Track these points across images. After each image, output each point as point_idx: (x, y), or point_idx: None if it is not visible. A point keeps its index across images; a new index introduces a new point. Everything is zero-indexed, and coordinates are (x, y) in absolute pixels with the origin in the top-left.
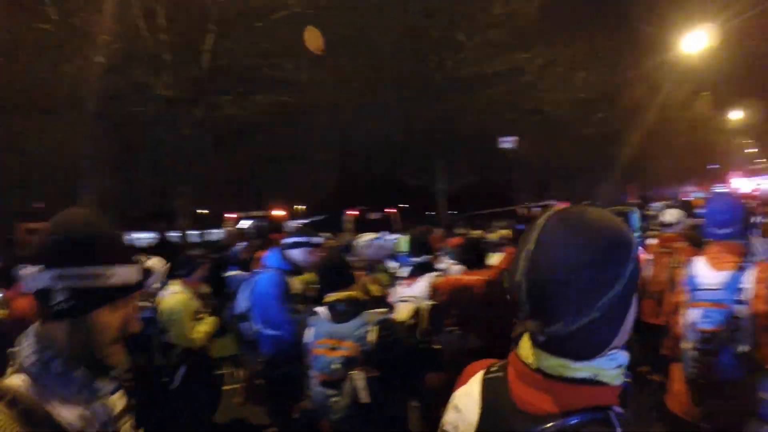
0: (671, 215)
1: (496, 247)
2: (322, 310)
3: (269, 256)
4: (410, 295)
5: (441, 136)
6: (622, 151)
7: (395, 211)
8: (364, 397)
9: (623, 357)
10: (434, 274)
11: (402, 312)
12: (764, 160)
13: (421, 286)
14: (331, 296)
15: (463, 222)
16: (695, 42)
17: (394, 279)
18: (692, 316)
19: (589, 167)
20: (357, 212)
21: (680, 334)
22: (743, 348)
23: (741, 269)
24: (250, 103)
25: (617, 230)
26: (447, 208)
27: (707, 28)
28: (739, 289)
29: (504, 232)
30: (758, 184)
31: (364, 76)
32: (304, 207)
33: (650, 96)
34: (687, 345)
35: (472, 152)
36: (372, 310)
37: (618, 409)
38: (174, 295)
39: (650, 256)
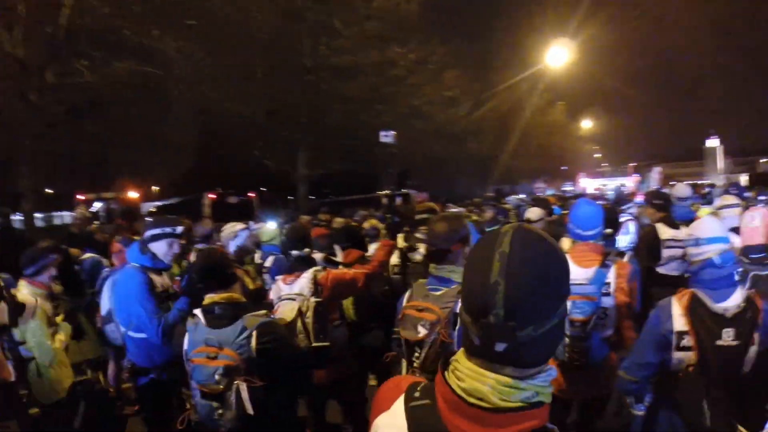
0: (534, 213)
1: (369, 237)
2: (198, 314)
3: (129, 251)
4: (293, 293)
5: (307, 121)
6: (481, 148)
7: (255, 195)
8: (250, 408)
9: (554, 371)
10: (316, 268)
11: (286, 312)
12: (607, 164)
13: (303, 282)
14: (209, 298)
15: (325, 209)
16: (557, 56)
17: (260, 272)
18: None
19: (450, 160)
20: (215, 195)
21: None
22: (608, 333)
23: (605, 266)
24: (110, 71)
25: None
26: (308, 194)
27: (567, 44)
28: (605, 284)
29: (374, 221)
30: (603, 185)
31: (235, 53)
32: (158, 189)
33: (512, 100)
34: None
35: (338, 140)
36: (252, 314)
37: (551, 426)
38: (23, 300)
39: None
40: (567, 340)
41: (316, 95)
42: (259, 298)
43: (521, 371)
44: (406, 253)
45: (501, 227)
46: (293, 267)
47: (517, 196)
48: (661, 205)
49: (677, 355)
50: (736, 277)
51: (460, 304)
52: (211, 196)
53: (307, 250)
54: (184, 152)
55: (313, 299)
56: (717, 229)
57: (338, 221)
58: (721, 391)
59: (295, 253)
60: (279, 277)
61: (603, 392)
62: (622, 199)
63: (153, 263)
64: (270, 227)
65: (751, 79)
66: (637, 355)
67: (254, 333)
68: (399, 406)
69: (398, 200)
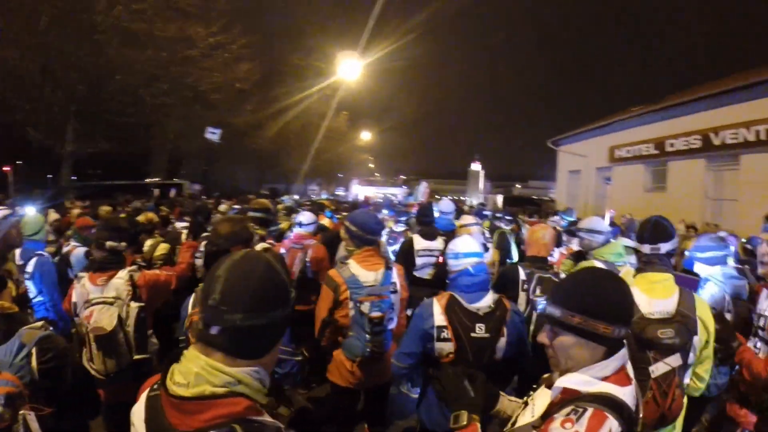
0: (306, 217)
1: (145, 232)
2: None
3: None
4: (109, 296)
5: (84, 88)
6: (261, 144)
7: (9, 169)
8: None
9: (266, 377)
10: (131, 268)
11: (103, 320)
12: (379, 174)
13: (119, 284)
14: None
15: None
16: (349, 70)
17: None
18: (363, 306)
19: (227, 152)
20: None
21: (346, 324)
22: (393, 326)
23: (389, 268)
24: None
25: (282, 280)
26: (71, 175)
27: (357, 60)
28: (392, 283)
29: (150, 215)
30: (376, 192)
31: None
32: None
33: (299, 104)
34: (355, 331)
35: (113, 115)
36: (28, 326)
37: (255, 419)
38: None
39: (284, 250)
40: (368, 336)
41: (99, 59)
42: (24, 306)
43: (231, 360)
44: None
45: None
46: (103, 265)
47: (291, 197)
48: (423, 220)
49: (438, 345)
50: (488, 284)
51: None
52: None
53: (123, 244)
54: None
55: (134, 305)
56: (472, 245)
57: (104, 209)
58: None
59: (110, 244)
60: (83, 275)
61: (388, 379)
62: (393, 206)
63: None
64: (33, 217)
65: (511, 118)
66: (404, 346)
67: (33, 350)
68: (143, 396)
69: (172, 191)
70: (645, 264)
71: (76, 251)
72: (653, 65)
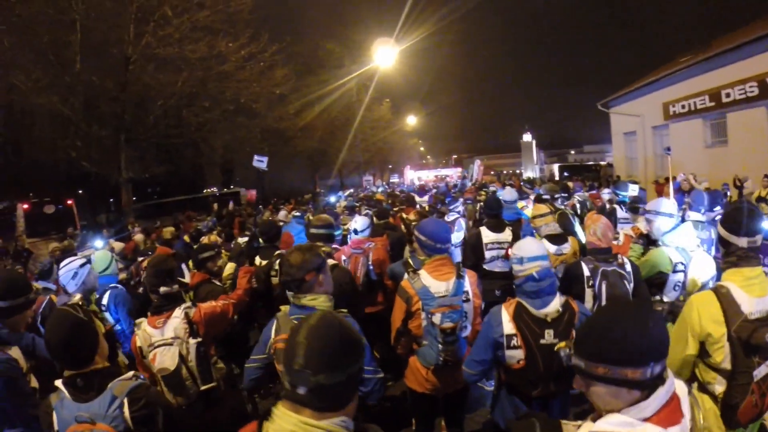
0: (360, 223)
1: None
2: (61, 388)
3: None
4: (168, 338)
5: (130, 118)
6: (309, 145)
7: (72, 202)
8: None
9: (351, 424)
10: (186, 305)
11: (166, 361)
12: (430, 157)
13: (176, 323)
14: (68, 371)
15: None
16: (385, 57)
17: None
18: (434, 318)
19: (277, 155)
20: (28, 205)
21: (420, 334)
22: (467, 333)
23: (460, 276)
24: None
25: (356, 338)
26: (132, 198)
27: (394, 46)
28: (464, 291)
29: (214, 237)
30: (429, 175)
31: (46, 32)
32: None
33: (341, 98)
34: (429, 341)
35: (161, 138)
36: (120, 378)
37: None
38: None
39: (345, 257)
40: (440, 345)
41: (138, 88)
42: (111, 341)
43: (319, 414)
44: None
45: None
46: (160, 307)
47: (346, 192)
48: (489, 212)
49: (509, 353)
50: (554, 287)
51: None
52: (24, 206)
53: (176, 286)
54: None
55: (192, 341)
56: (537, 249)
57: (168, 231)
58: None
59: (163, 290)
60: (143, 321)
61: (465, 384)
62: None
63: None
64: (101, 255)
65: (558, 84)
66: (475, 353)
67: (125, 401)
68: None
69: (230, 204)
70: (740, 259)
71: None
72: (696, 9)
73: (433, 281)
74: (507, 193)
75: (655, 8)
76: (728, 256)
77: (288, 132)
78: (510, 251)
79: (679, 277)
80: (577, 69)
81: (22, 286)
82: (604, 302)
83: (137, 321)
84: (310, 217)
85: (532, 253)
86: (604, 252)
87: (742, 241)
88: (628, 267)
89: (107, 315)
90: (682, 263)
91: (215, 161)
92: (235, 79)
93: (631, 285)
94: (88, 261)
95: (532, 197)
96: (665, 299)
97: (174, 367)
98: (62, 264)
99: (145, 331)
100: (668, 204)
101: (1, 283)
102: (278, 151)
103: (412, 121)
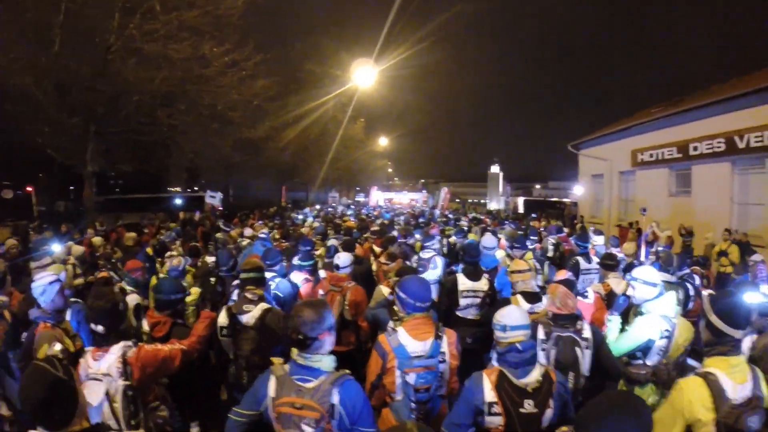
0: (343, 260)
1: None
2: None
3: None
4: (100, 372)
5: (101, 110)
6: (280, 157)
7: (32, 189)
8: None
9: None
10: (126, 344)
11: (91, 396)
12: (398, 179)
13: (111, 360)
14: None
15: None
16: (364, 77)
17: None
18: (408, 378)
19: (246, 164)
20: None
21: (393, 391)
22: (442, 391)
23: (438, 337)
24: None
25: None
26: (94, 191)
27: (372, 67)
28: (441, 353)
29: (177, 261)
30: (395, 197)
31: (29, 10)
32: None
33: (316, 114)
34: (402, 397)
35: (131, 135)
36: None
37: None
38: None
39: (323, 292)
40: (413, 405)
41: (114, 80)
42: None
43: None
44: (235, 314)
45: None
46: (101, 338)
47: (313, 208)
48: (468, 259)
49: (489, 418)
50: (535, 358)
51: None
52: None
53: (122, 324)
54: None
55: (121, 382)
56: (520, 317)
57: (129, 237)
58: None
59: (100, 329)
60: (90, 350)
61: None
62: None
63: None
64: (53, 269)
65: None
66: (455, 416)
67: None
68: None
69: (197, 214)
70: (732, 348)
71: (129, 297)
72: (670, 64)
73: (411, 340)
74: (487, 240)
75: (630, 60)
76: (721, 345)
77: (260, 144)
78: (494, 318)
79: (663, 342)
80: (551, 108)
81: None
82: (550, 365)
83: (86, 348)
84: (276, 236)
85: (516, 321)
86: (563, 318)
87: (739, 333)
88: (587, 333)
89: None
90: (668, 330)
91: (182, 163)
92: (215, 84)
93: (589, 351)
94: (58, 279)
95: (501, 237)
96: (648, 363)
97: (96, 404)
98: (35, 277)
99: (86, 360)
100: (654, 273)
101: None
102: (248, 160)
103: (383, 142)
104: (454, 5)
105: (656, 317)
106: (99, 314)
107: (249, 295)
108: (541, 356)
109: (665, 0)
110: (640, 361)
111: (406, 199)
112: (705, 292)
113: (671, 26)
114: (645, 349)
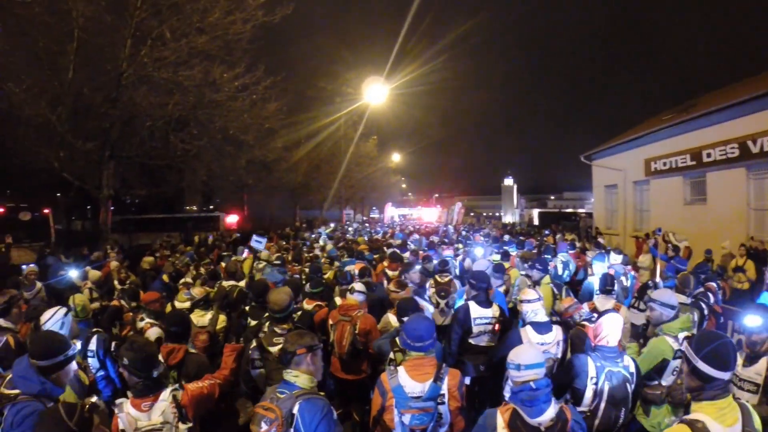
0: (360, 286)
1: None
2: None
3: None
4: (156, 422)
5: (116, 135)
6: (293, 177)
7: (49, 211)
8: None
9: None
10: (173, 387)
11: None
12: (411, 194)
13: (164, 407)
14: None
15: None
16: (376, 95)
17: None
18: (404, 418)
19: (258, 185)
20: (3, 209)
21: (392, 427)
22: (443, 430)
23: (438, 379)
24: None
25: None
26: (110, 214)
27: (384, 84)
28: (441, 394)
29: (198, 290)
30: (410, 213)
31: (43, 38)
32: None
33: (329, 133)
34: None
35: (144, 159)
36: None
37: None
38: None
39: (333, 322)
40: None
41: (128, 106)
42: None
43: None
44: (266, 347)
45: None
46: (143, 388)
47: (327, 227)
48: (478, 286)
49: None
50: (550, 396)
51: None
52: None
53: (162, 368)
54: None
55: (182, 426)
56: (535, 356)
57: (146, 261)
58: None
59: (146, 376)
60: (125, 402)
61: None
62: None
63: None
64: (81, 302)
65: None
66: None
67: None
68: None
69: (210, 237)
70: (722, 391)
71: (151, 331)
72: (679, 67)
73: (410, 381)
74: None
75: (638, 66)
76: (710, 390)
77: (273, 164)
78: (509, 356)
79: (678, 362)
80: (563, 120)
81: (59, 345)
82: (604, 402)
83: (118, 401)
84: (288, 259)
85: (530, 360)
86: (612, 351)
87: (728, 375)
88: (632, 368)
89: (92, 360)
90: (681, 350)
91: (197, 185)
92: (227, 109)
93: (632, 386)
94: (69, 309)
95: (513, 252)
96: (663, 383)
97: None
98: (47, 313)
99: (129, 413)
100: (672, 296)
101: (41, 343)
102: (262, 180)
103: (396, 158)
104: (465, 22)
105: (670, 338)
106: (137, 366)
107: (278, 329)
108: (590, 390)
109: (673, 4)
110: (656, 381)
111: (424, 215)
112: (684, 345)
113: (679, 29)
114: (660, 369)
